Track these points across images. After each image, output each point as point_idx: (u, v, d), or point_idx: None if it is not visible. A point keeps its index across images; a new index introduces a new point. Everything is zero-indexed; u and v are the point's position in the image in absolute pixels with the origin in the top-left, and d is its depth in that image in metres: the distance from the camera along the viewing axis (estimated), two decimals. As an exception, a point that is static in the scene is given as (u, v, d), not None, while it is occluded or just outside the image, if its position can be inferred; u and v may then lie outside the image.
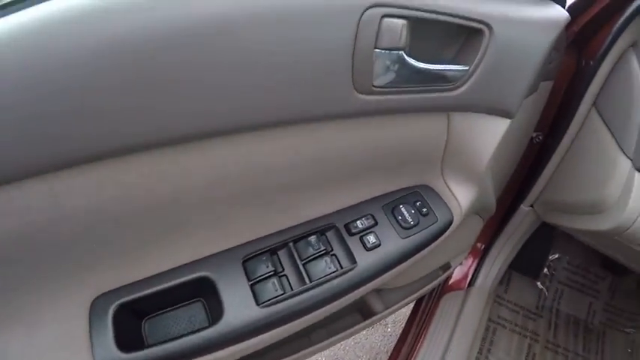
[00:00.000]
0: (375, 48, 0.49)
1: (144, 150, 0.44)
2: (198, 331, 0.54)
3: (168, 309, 0.57)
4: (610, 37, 0.84)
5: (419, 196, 0.71)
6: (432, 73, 0.55)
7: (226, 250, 0.58)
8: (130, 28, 0.38)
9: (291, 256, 0.60)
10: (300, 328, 0.61)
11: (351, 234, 0.64)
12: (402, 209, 0.68)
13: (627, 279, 1.52)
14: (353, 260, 0.62)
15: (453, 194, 0.72)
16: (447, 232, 0.71)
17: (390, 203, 0.68)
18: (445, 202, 0.71)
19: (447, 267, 1.07)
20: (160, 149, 0.45)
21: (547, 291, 1.52)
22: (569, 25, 0.84)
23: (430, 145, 0.67)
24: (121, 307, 0.52)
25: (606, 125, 0.91)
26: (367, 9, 0.46)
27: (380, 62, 0.50)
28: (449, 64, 0.57)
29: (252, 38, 0.43)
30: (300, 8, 0.44)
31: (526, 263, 1.48)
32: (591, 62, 0.89)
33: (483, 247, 1.26)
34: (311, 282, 0.59)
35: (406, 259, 0.66)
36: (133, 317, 0.54)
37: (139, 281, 0.54)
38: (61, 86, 0.37)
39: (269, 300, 0.56)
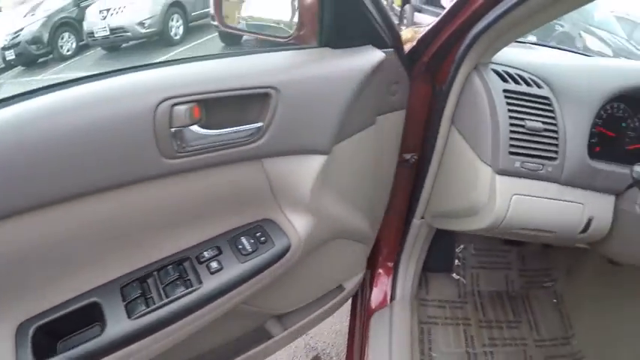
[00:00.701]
0: (171, 127, 0.66)
1: (40, 209, 0.62)
2: (87, 341, 0.68)
3: (76, 333, 0.71)
4: (455, 65, 0.95)
5: (260, 229, 0.84)
6: (228, 133, 0.72)
7: (110, 281, 0.73)
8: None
9: (155, 283, 0.75)
10: (166, 338, 0.74)
11: (200, 262, 0.78)
12: (243, 239, 0.82)
13: (530, 244, 1.65)
14: (200, 282, 0.76)
15: (291, 224, 0.85)
16: (288, 255, 0.83)
17: (234, 237, 0.82)
18: (284, 232, 0.85)
19: (341, 289, 1.17)
20: (48, 208, 0.62)
21: (464, 279, 1.62)
22: (421, 56, 1.02)
23: (256, 187, 0.81)
24: (38, 330, 0.65)
25: (465, 140, 1.01)
26: (160, 103, 0.65)
27: (178, 136, 0.68)
28: (250, 122, 0.74)
29: (86, 141, 0.62)
30: (115, 114, 0.64)
31: (437, 262, 1.56)
32: (443, 87, 1.00)
33: (392, 264, 1.33)
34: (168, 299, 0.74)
35: (248, 280, 0.80)
36: (48, 338, 0.68)
37: (50, 309, 0.68)
38: None
39: (137, 314, 0.70)
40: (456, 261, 1.65)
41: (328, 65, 0.81)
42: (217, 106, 0.72)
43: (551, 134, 0.95)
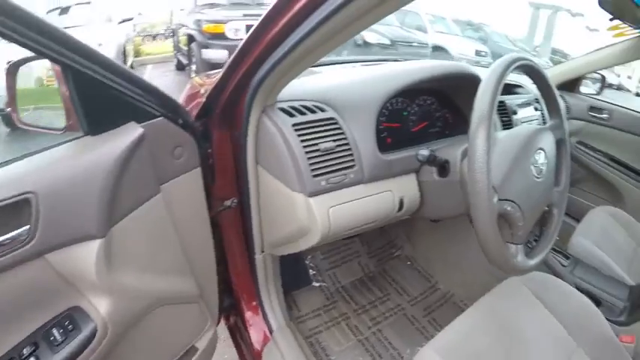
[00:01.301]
0: None
1: None
2: None
3: None
4: (245, 112, 1.02)
5: (69, 317, 0.86)
6: (4, 242, 0.74)
7: None
8: None
9: None
10: None
11: None
12: (54, 331, 0.84)
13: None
14: None
15: (95, 308, 0.87)
16: (97, 337, 0.86)
17: (47, 330, 0.84)
18: (89, 316, 0.87)
19: (195, 349, 1.19)
20: None
21: (325, 283, 1.75)
22: (214, 108, 1.10)
23: (51, 280, 0.83)
24: None
25: (274, 176, 1.08)
26: None
27: None
28: (22, 225, 0.76)
29: None
30: None
31: (296, 280, 1.67)
32: (240, 133, 1.07)
33: (256, 302, 1.38)
34: None
35: None
36: None
37: None
38: None
39: None
40: (311, 271, 1.77)
41: (85, 155, 0.83)
42: None
43: (344, 147, 1.08)
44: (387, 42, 7.31)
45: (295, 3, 0.78)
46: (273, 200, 1.14)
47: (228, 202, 1.20)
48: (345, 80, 1.32)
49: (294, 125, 1.04)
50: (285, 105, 1.08)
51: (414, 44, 7.81)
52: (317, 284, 1.74)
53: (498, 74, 0.93)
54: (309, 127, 1.06)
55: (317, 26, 0.76)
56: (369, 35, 7.29)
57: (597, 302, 1.42)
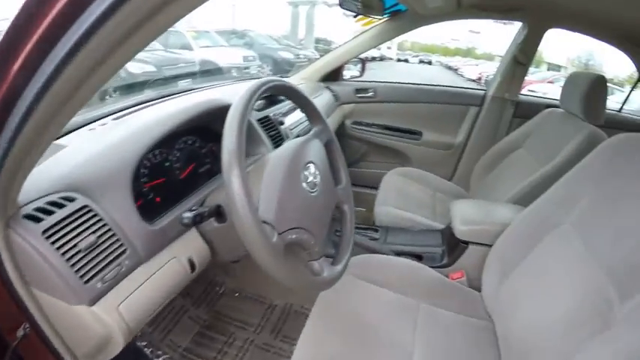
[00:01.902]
0: None
1: None
2: None
3: None
4: None
5: None
6: None
7: None
8: None
9: None
10: None
11: None
12: None
13: None
14: None
15: None
16: None
17: None
18: None
19: None
20: None
21: (166, 354, 1.63)
22: None
23: None
24: None
25: (47, 294, 0.91)
26: None
27: None
28: None
29: None
30: None
31: None
32: None
33: None
34: None
35: None
36: None
37: None
38: None
39: None
40: (147, 350, 1.64)
41: None
42: None
43: (107, 235, 0.94)
44: (153, 69, 7.07)
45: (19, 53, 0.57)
46: (61, 318, 0.98)
47: (21, 332, 0.99)
48: (90, 151, 1.10)
49: (44, 232, 0.86)
50: (29, 209, 0.89)
51: (181, 65, 7.69)
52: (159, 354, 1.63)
53: (242, 105, 0.89)
54: (61, 228, 0.89)
55: (50, 80, 0.59)
56: (131, 65, 6.95)
57: (419, 257, 1.54)
